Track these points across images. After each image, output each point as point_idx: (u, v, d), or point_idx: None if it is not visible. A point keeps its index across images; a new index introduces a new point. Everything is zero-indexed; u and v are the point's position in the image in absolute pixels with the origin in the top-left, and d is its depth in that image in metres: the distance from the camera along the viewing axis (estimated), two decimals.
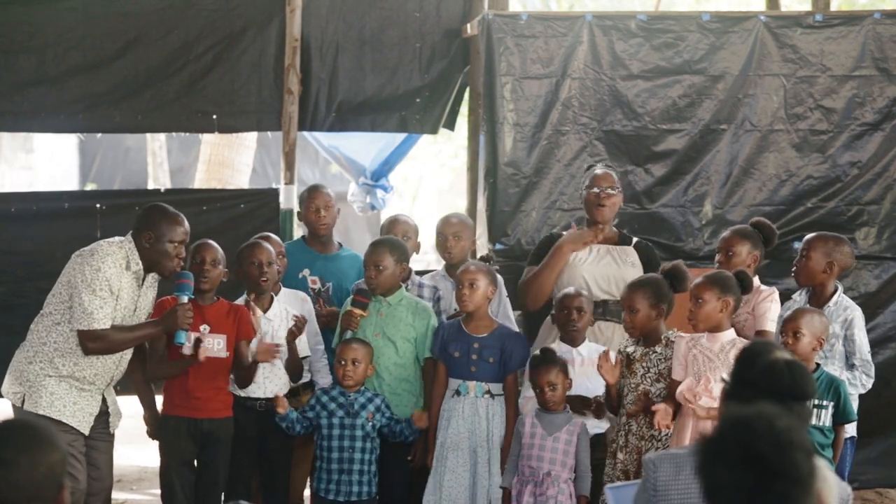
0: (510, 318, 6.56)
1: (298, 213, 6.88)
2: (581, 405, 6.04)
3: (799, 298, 5.99)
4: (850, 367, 5.78)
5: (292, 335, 6.09)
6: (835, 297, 5.89)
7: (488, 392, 6.10)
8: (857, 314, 5.91)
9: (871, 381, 5.93)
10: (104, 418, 5.79)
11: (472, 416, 6.07)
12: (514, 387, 6.13)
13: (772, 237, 6.33)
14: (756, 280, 6.21)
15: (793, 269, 6.13)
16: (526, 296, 6.57)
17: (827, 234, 6.20)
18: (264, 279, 6.12)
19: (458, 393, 6.11)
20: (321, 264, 6.72)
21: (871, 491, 7.60)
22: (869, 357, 5.92)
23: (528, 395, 6.07)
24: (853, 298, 7.48)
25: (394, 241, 6.32)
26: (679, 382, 5.67)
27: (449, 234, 6.65)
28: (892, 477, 7.60)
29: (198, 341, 5.82)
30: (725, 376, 3.65)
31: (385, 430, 6.05)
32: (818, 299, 5.92)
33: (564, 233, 6.67)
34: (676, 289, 5.91)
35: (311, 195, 6.81)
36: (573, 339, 6.13)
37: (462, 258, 6.62)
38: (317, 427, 6.06)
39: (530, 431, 5.85)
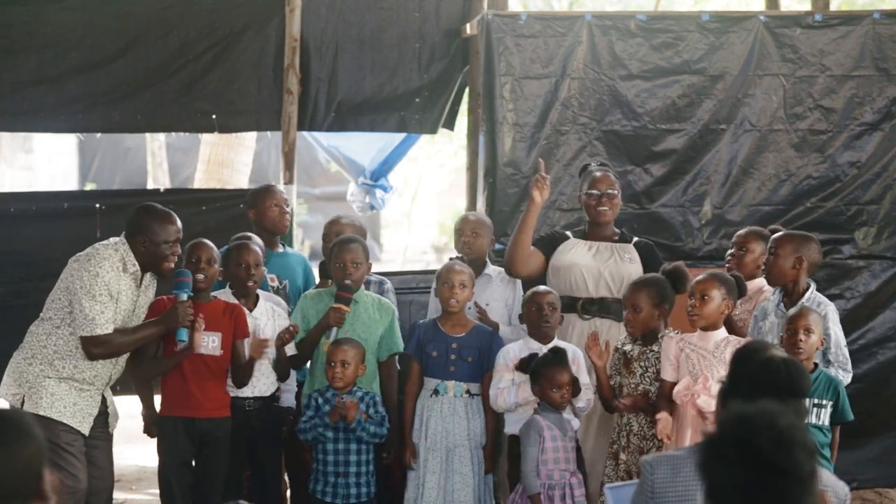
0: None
1: (253, 211, 6.78)
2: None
3: (773, 297, 5.97)
4: (827, 363, 5.75)
5: (281, 341, 6.02)
6: (808, 294, 5.86)
7: (467, 392, 6.11)
8: (830, 309, 5.87)
9: (850, 374, 5.88)
10: (103, 418, 5.79)
11: (450, 415, 6.07)
12: None
13: None
14: (762, 280, 6.19)
15: (762, 270, 6.09)
16: (511, 263, 6.47)
17: (793, 232, 6.18)
18: (251, 282, 6.10)
19: (436, 392, 6.11)
20: (274, 261, 6.65)
21: (870, 491, 7.59)
22: (846, 352, 5.88)
23: (500, 386, 6.01)
24: (852, 298, 7.49)
25: (360, 239, 6.31)
26: (670, 383, 5.66)
27: (468, 231, 6.61)
28: (892, 477, 7.59)
29: (192, 331, 5.77)
30: (723, 377, 3.65)
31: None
32: (791, 297, 5.89)
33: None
34: (677, 289, 5.91)
35: (271, 194, 6.79)
36: (545, 336, 6.08)
37: (480, 255, 6.59)
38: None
39: (550, 435, 5.80)
